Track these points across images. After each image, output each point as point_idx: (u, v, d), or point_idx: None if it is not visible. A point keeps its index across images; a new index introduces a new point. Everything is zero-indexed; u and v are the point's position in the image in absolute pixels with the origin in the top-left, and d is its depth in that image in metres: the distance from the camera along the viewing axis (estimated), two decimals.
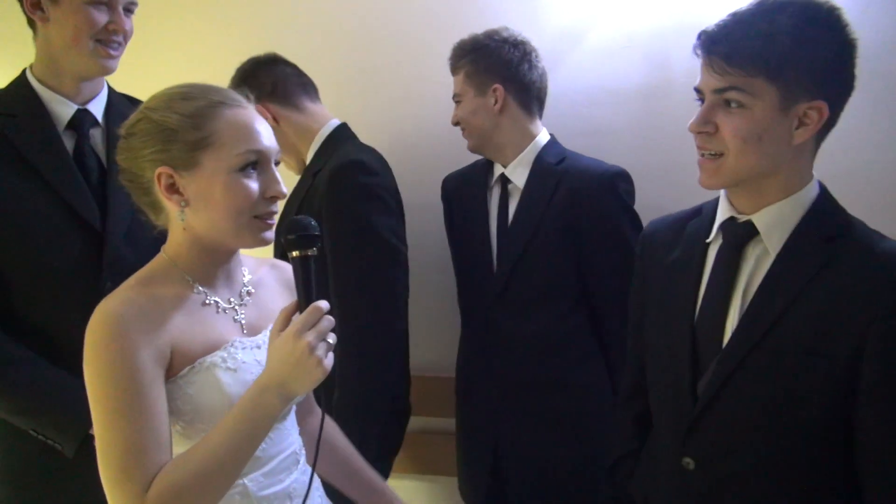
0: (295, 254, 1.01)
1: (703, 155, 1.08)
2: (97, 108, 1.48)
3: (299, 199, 1.71)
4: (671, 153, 1.99)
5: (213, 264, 1.09)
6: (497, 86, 1.71)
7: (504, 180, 1.76)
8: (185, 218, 1.04)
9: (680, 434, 1.11)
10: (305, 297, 1.00)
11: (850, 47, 1.03)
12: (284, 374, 0.96)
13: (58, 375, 1.36)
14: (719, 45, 1.02)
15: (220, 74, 1.79)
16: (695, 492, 1.11)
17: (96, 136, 1.47)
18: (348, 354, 1.53)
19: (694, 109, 1.93)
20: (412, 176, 1.94)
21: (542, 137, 1.77)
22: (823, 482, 1.04)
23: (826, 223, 1.06)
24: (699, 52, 1.06)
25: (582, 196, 1.66)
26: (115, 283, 1.37)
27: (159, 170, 1.01)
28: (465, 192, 1.84)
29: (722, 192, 1.15)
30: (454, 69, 1.77)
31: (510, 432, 1.70)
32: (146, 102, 1.06)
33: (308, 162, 1.78)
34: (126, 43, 1.44)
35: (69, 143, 1.43)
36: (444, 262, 1.95)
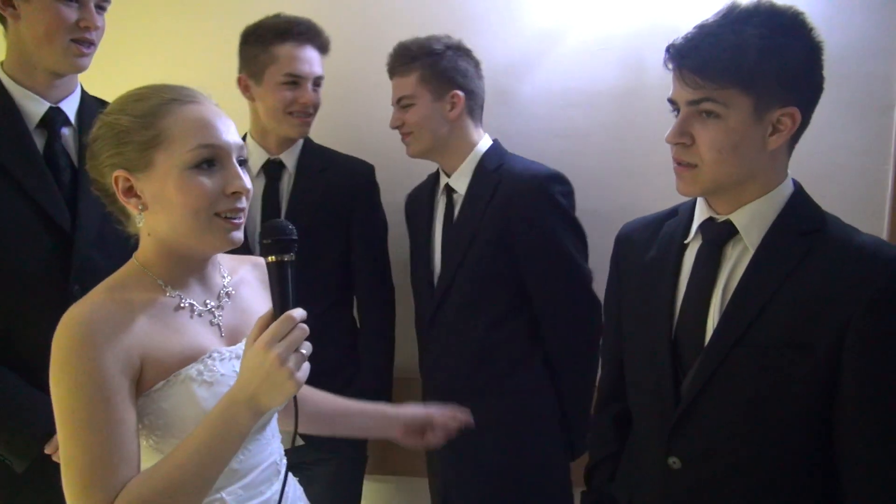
0: (271, 259, 0.97)
1: (679, 164, 1.09)
2: (70, 107, 1.45)
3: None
4: (646, 154, 2.01)
5: (184, 268, 1.05)
6: (456, 92, 1.71)
7: (449, 190, 1.77)
8: (144, 221, 1.00)
9: (665, 434, 1.11)
10: (280, 305, 0.96)
11: (817, 51, 1.05)
12: (254, 387, 0.92)
13: (12, 385, 1.32)
14: (689, 59, 1.03)
15: (199, 75, 1.78)
16: (681, 491, 1.11)
17: (68, 135, 1.44)
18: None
19: (667, 112, 1.97)
20: (396, 178, 1.94)
21: (484, 144, 1.77)
22: (808, 476, 1.06)
23: (802, 218, 1.08)
24: (670, 65, 1.07)
25: (514, 200, 1.66)
26: (84, 288, 1.34)
27: (116, 173, 0.98)
28: (417, 204, 1.87)
29: None
30: (403, 71, 1.72)
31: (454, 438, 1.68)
32: (106, 108, 1.03)
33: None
34: (99, 41, 1.42)
35: (39, 141, 1.40)
36: None
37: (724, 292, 1.09)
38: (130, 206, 1.00)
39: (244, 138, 1.76)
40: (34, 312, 1.33)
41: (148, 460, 0.97)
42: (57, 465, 1.34)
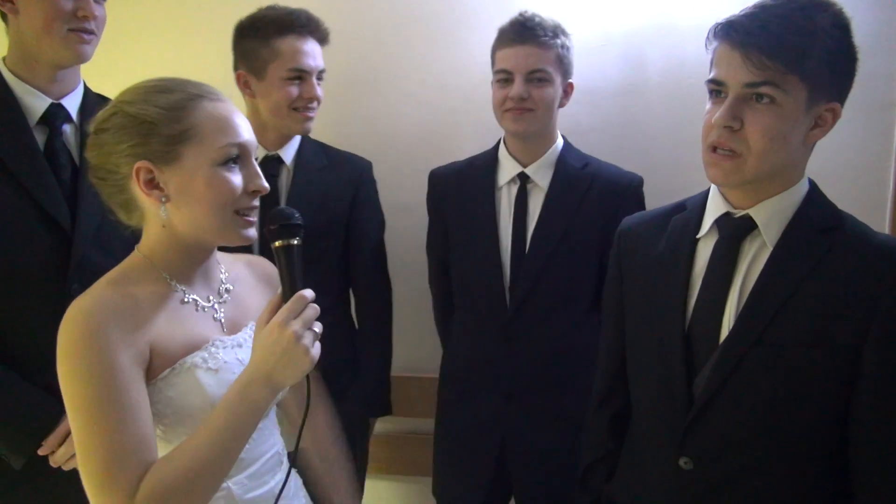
0: (278, 244, 1.00)
1: (715, 150, 1.05)
2: (72, 103, 1.42)
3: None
4: (647, 151, 2.01)
5: (191, 262, 1.06)
6: (571, 82, 1.72)
7: (523, 179, 1.72)
8: (166, 214, 1.00)
9: (676, 434, 1.10)
10: (290, 286, 0.98)
11: (856, 50, 1.05)
12: (271, 364, 0.94)
13: (9, 382, 1.31)
14: (758, 38, 0.98)
15: (197, 68, 1.76)
16: (692, 492, 1.10)
17: (69, 132, 1.42)
18: None
19: (669, 108, 1.98)
20: (391, 176, 1.93)
21: (560, 140, 1.76)
22: (821, 476, 1.05)
23: (820, 215, 1.07)
24: (725, 42, 1.02)
25: (613, 202, 1.66)
26: (83, 286, 1.32)
27: (138, 164, 0.98)
28: (467, 188, 1.78)
29: (713, 188, 1.15)
30: (543, 43, 1.63)
31: (518, 432, 1.68)
32: (119, 96, 1.01)
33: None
34: (100, 31, 1.40)
35: (40, 138, 1.37)
36: (422, 264, 1.92)
37: (742, 289, 1.07)
38: (151, 199, 0.99)
39: None
40: (33, 310, 1.31)
41: (160, 449, 0.97)
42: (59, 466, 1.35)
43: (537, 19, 1.65)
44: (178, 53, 2.19)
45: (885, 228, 1.93)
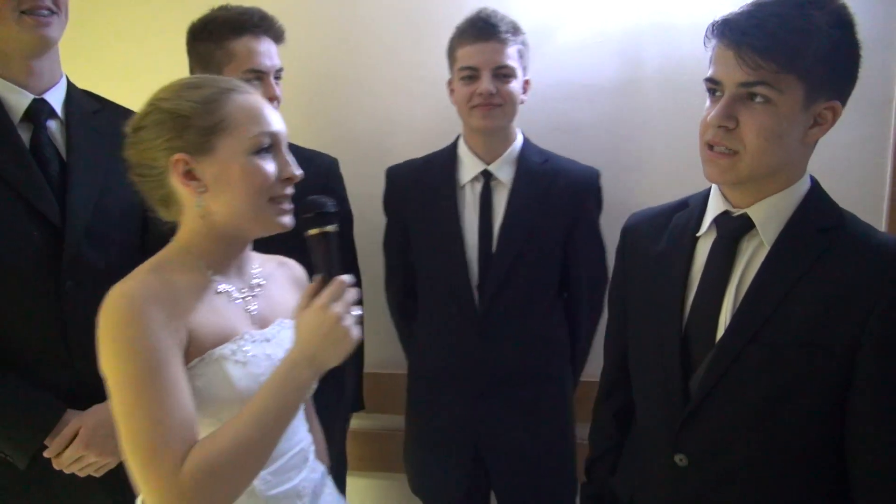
0: (314, 232, 1.02)
1: (711, 148, 1.05)
2: (55, 98, 1.40)
3: None
4: (643, 148, 2.00)
5: (227, 253, 1.10)
6: (528, 78, 1.73)
7: (487, 176, 1.73)
8: (203, 204, 1.03)
9: (672, 430, 1.10)
10: (328, 271, 1.01)
11: (860, 48, 1.04)
12: (314, 346, 0.97)
13: (9, 381, 1.30)
14: (752, 38, 0.97)
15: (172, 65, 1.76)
16: (688, 489, 1.10)
17: (54, 128, 1.40)
18: None
19: (666, 105, 1.97)
20: (358, 167, 1.91)
21: (520, 136, 1.77)
22: (816, 475, 1.05)
23: (819, 214, 1.06)
24: (720, 41, 1.02)
25: (576, 196, 1.71)
26: (76, 283, 1.33)
27: (176, 157, 1.01)
28: (427, 187, 1.78)
29: (714, 186, 1.14)
30: (505, 39, 1.65)
31: (493, 427, 1.70)
32: (154, 95, 1.05)
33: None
34: (62, 11, 1.35)
35: (25, 135, 1.35)
36: None
37: (739, 288, 1.07)
38: (189, 189, 1.03)
39: None
40: (26, 309, 1.30)
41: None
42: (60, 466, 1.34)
43: (499, 16, 1.67)
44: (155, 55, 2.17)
45: (882, 226, 1.93)
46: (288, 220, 1.07)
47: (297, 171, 1.07)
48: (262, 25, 1.65)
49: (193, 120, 1.01)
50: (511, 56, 1.66)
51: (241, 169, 1.02)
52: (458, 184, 1.75)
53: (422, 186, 1.78)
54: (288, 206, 1.07)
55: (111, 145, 1.46)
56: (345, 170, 1.86)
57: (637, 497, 1.21)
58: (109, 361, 0.95)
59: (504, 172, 1.72)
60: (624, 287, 1.26)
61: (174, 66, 1.86)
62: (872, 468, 1.00)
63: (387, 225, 1.88)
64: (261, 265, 1.19)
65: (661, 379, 1.13)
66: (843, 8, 1.01)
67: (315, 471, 1.18)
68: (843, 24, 1.00)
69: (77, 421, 1.32)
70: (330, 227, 1.03)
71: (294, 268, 1.26)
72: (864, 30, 1.84)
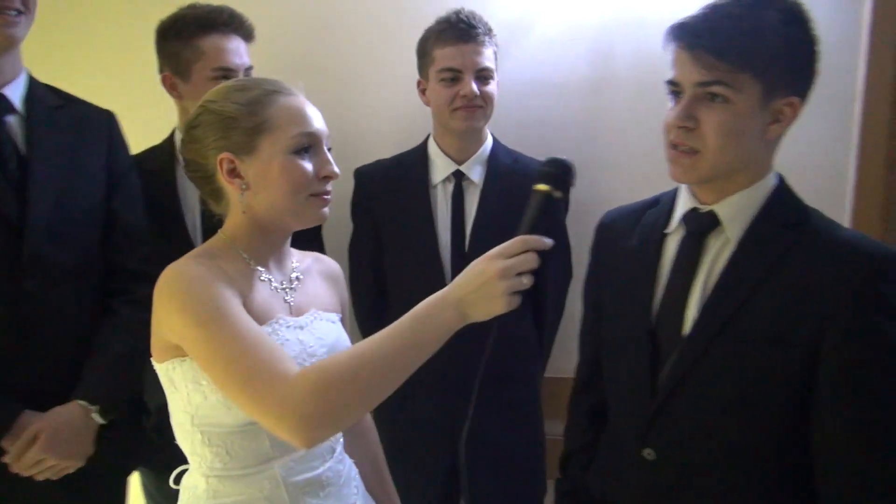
0: (541, 187, 0.99)
1: (676, 149, 1.06)
2: (14, 93, 1.37)
3: None
4: (615, 145, 2.01)
5: (268, 246, 1.14)
6: (498, 79, 1.75)
7: (458, 177, 1.74)
8: (245, 200, 1.08)
9: (640, 425, 1.11)
10: (526, 228, 0.98)
11: (817, 45, 1.05)
12: (467, 291, 0.94)
13: None
14: (706, 39, 1.00)
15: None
16: (655, 483, 1.11)
17: (13, 123, 1.36)
18: None
19: (637, 103, 1.98)
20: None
21: (490, 136, 1.79)
22: (782, 469, 1.06)
23: (785, 211, 1.08)
24: (677, 44, 1.04)
25: None
26: (37, 282, 1.30)
27: (221, 156, 1.07)
28: (398, 187, 1.78)
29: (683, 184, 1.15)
30: (483, 41, 1.68)
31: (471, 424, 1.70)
32: (206, 96, 1.11)
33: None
34: (30, 11, 1.33)
35: None
36: None
37: (705, 284, 1.08)
38: (233, 186, 1.08)
39: (172, 134, 1.77)
40: None
41: (219, 415, 1.03)
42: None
43: (477, 17, 1.68)
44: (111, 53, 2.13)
45: (846, 222, 1.97)
46: (327, 211, 1.12)
47: (336, 169, 1.11)
48: (232, 24, 1.64)
49: (239, 121, 1.06)
50: (489, 57, 1.69)
51: (280, 167, 1.06)
52: (430, 184, 1.76)
53: (393, 187, 1.78)
54: (328, 197, 1.11)
55: (75, 141, 1.43)
56: None
57: (608, 492, 1.22)
58: (185, 326, 0.98)
59: (476, 173, 1.74)
60: (598, 284, 1.27)
61: (141, 64, 1.84)
62: (836, 463, 1.01)
63: (355, 226, 1.87)
64: (298, 260, 1.23)
65: (630, 374, 1.14)
66: (796, 5, 1.03)
67: (341, 462, 1.20)
68: (797, 21, 1.02)
69: (38, 424, 1.29)
70: (558, 194, 1.00)
71: (329, 263, 1.30)
72: (827, 29, 1.87)
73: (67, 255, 1.36)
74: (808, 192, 1.90)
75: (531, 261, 0.94)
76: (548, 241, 0.96)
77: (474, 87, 1.65)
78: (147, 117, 1.80)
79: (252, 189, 1.08)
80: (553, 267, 1.77)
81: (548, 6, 1.99)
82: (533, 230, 0.97)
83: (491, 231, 1.67)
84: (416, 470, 1.76)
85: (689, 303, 1.08)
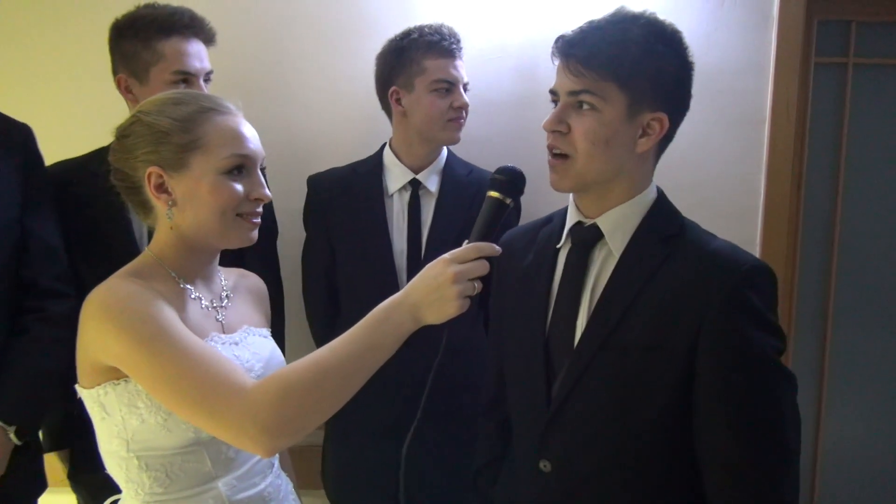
0: (494, 194, 1.04)
1: (553, 155, 1.11)
2: None
3: None
4: (540, 160, 1.99)
5: (196, 264, 1.12)
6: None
7: (415, 185, 1.75)
8: (172, 217, 1.06)
9: (536, 437, 1.12)
10: (477, 235, 1.02)
11: (689, 68, 1.10)
12: (421, 295, 0.96)
13: None
14: (576, 49, 1.06)
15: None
16: (552, 494, 1.12)
17: None
18: None
19: None
20: (282, 182, 1.87)
21: (445, 148, 1.82)
22: (673, 475, 1.08)
23: (663, 224, 1.11)
24: (556, 55, 1.10)
25: None
26: None
27: (150, 169, 1.05)
28: (353, 195, 1.78)
29: (570, 199, 1.19)
30: (460, 55, 1.75)
31: (418, 433, 1.68)
32: (140, 106, 1.09)
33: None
34: None
35: None
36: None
37: (592, 295, 1.11)
38: (160, 202, 1.06)
39: None
40: None
41: (158, 438, 1.00)
42: None
43: (453, 31, 1.74)
44: (63, 52, 2.06)
45: (757, 235, 2.07)
46: (255, 233, 1.10)
47: (267, 193, 1.10)
48: (193, 26, 1.60)
49: (171, 136, 1.04)
50: (463, 71, 1.76)
51: (209, 187, 1.05)
52: (386, 192, 1.77)
53: (347, 195, 1.78)
54: (257, 220, 1.10)
55: None
56: (272, 179, 1.81)
57: None
58: (124, 346, 0.95)
59: (432, 182, 1.76)
60: (498, 300, 1.29)
61: (80, 69, 1.76)
62: (713, 461, 1.04)
63: (308, 234, 1.85)
64: (226, 277, 1.22)
65: (527, 387, 1.16)
66: (661, 24, 1.08)
67: (280, 477, 1.20)
68: (663, 39, 1.07)
69: None
70: (508, 201, 1.04)
71: (254, 279, 1.30)
72: (738, 55, 2.00)
73: None
74: (724, 206, 2.02)
75: (483, 267, 0.98)
76: (498, 249, 1.00)
77: (465, 98, 1.72)
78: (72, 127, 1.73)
79: (179, 206, 1.06)
80: None
81: (474, 24, 2.03)
82: (484, 237, 1.02)
83: (446, 239, 1.68)
84: (368, 479, 1.75)
85: (579, 314, 1.11)
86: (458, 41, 1.74)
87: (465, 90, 1.76)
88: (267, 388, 0.92)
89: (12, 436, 1.33)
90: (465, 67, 1.91)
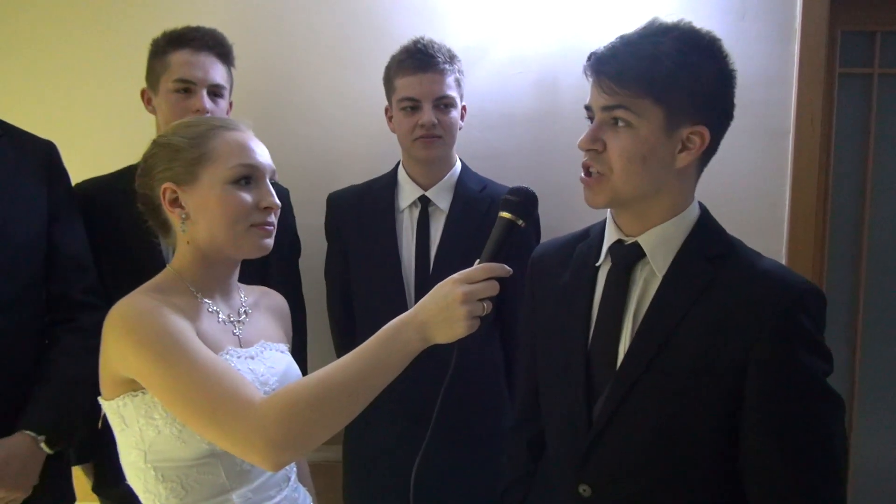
0: (505, 215, 1.03)
1: (589, 174, 1.09)
2: None
3: None
4: (561, 175, 2.04)
5: (214, 278, 1.15)
6: (464, 104, 1.75)
7: (424, 202, 1.74)
8: (186, 230, 1.10)
9: (576, 460, 1.10)
10: (489, 256, 1.02)
11: (730, 77, 1.07)
12: (430, 314, 0.97)
13: None
14: (608, 66, 1.04)
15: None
16: None
17: None
18: None
19: (581, 131, 2.03)
20: (306, 201, 1.89)
21: (459, 163, 1.80)
22: (718, 497, 1.06)
23: (708, 243, 1.09)
24: (589, 72, 1.07)
25: None
26: None
27: (164, 186, 1.10)
28: (366, 212, 1.79)
29: (608, 215, 1.16)
30: (444, 70, 1.67)
31: (426, 453, 1.68)
32: (159, 134, 1.16)
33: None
34: None
35: None
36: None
37: (635, 316, 1.08)
38: (174, 216, 1.10)
39: None
40: None
41: (173, 449, 1.01)
42: None
43: (436, 46, 1.68)
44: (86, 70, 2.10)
45: (783, 248, 2.04)
46: (269, 242, 1.13)
47: (276, 201, 1.12)
48: (204, 40, 1.62)
49: (182, 153, 1.09)
50: (450, 86, 1.69)
51: (217, 198, 1.08)
52: (398, 209, 1.77)
53: (361, 211, 1.79)
54: (270, 228, 1.12)
55: (15, 172, 1.39)
56: (294, 198, 1.84)
57: None
58: (142, 359, 0.97)
59: (442, 199, 1.74)
60: (533, 317, 1.27)
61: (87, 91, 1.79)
62: (763, 487, 1.01)
63: (329, 249, 1.87)
64: (246, 294, 1.24)
65: (567, 409, 1.13)
66: (695, 33, 1.05)
67: (297, 491, 1.20)
68: (698, 49, 1.03)
69: None
70: (520, 222, 1.03)
71: (276, 297, 1.32)
72: (762, 66, 1.98)
73: (11, 287, 1.32)
74: (748, 220, 1.99)
75: (493, 288, 0.98)
76: (509, 270, 0.99)
77: (432, 116, 1.65)
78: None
79: (192, 219, 1.09)
80: (519, 293, 1.78)
81: (494, 39, 2.03)
82: (495, 257, 1.01)
83: (455, 256, 1.66)
84: (380, 497, 1.73)
85: (622, 336, 1.09)
86: (432, 54, 1.66)
87: (450, 105, 1.69)
88: (274, 403, 0.93)
89: (43, 445, 1.35)
90: (484, 83, 1.93)
